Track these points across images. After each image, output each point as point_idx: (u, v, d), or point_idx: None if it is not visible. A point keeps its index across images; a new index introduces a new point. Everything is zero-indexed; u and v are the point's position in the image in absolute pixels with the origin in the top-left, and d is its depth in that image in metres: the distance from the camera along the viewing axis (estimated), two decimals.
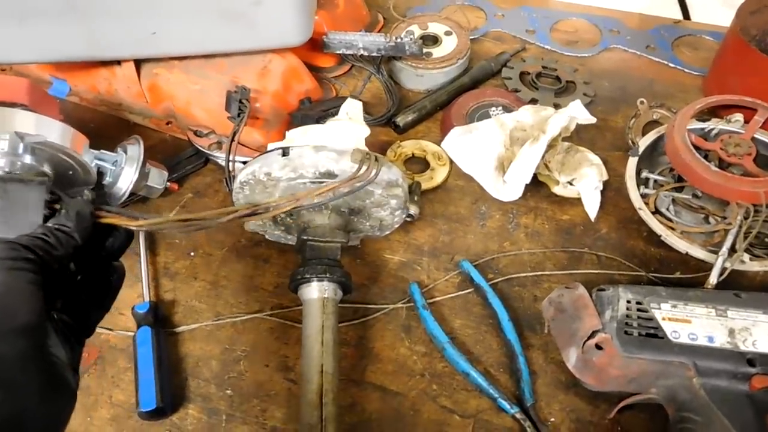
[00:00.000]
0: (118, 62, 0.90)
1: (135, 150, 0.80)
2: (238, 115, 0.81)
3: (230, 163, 0.78)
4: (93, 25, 0.81)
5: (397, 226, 0.79)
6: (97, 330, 0.72)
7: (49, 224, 0.50)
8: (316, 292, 0.66)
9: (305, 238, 0.70)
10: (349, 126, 0.76)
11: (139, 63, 0.91)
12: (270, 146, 0.73)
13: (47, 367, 0.43)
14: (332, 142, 0.69)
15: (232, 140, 0.79)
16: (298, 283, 0.67)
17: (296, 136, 0.74)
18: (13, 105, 0.71)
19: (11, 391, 0.39)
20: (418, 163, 0.91)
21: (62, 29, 0.81)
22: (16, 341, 0.41)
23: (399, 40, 0.96)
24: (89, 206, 0.53)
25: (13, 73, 1.00)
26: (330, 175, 0.67)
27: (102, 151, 0.78)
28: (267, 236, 0.79)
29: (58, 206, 0.53)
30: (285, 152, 0.67)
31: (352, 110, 0.80)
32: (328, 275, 0.66)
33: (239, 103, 0.81)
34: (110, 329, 0.74)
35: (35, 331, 0.43)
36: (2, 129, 0.68)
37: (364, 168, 0.65)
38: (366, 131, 0.76)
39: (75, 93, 0.98)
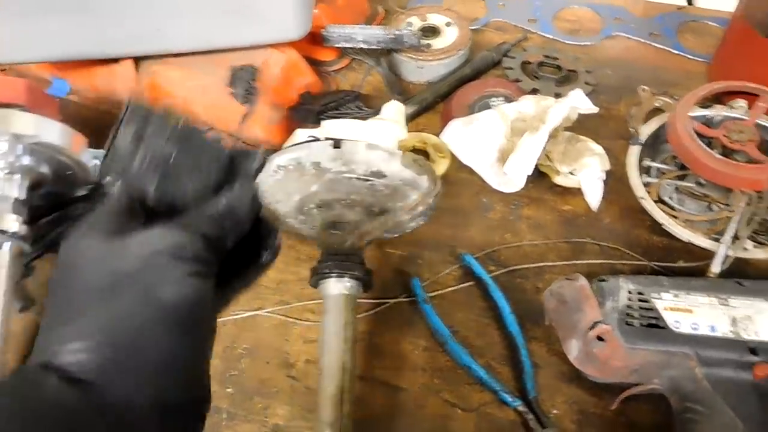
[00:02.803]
0: (117, 60, 0.90)
1: None
2: (245, 95, 0.79)
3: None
4: (98, 23, 0.82)
5: (409, 230, 0.78)
6: None
7: (225, 204, 0.43)
8: (341, 288, 0.66)
9: (333, 232, 0.69)
10: (388, 126, 0.75)
11: (137, 60, 0.91)
12: (300, 133, 0.72)
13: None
14: (370, 138, 0.68)
15: (245, 120, 0.77)
16: (322, 277, 0.67)
17: (333, 128, 0.74)
18: (11, 106, 0.71)
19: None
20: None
21: (67, 28, 0.81)
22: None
23: (398, 32, 0.96)
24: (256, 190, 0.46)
25: (13, 72, 1.00)
26: (380, 174, 0.66)
27: (101, 150, 0.78)
28: (279, 224, 0.77)
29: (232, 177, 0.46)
30: (337, 144, 0.65)
31: (396, 112, 0.79)
32: (355, 272, 0.65)
33: (247, 83, 0.80)
34: None
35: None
36: (1, 130, 0.68)
37: (426, 180, 0.65)
38: (403, 134, 0.75)
39: (75, 92, 0.98)
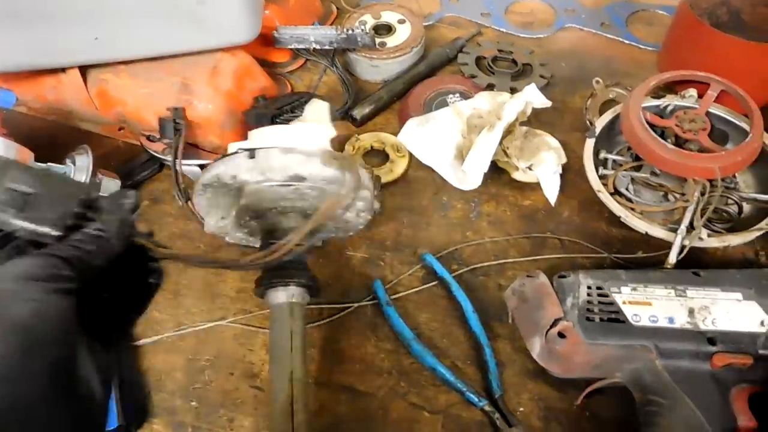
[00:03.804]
0: (63, 69, 0.88)
1: (84, 160, 0.78)
2: (175, 133, 0.79)
3: (178, 178, 0.77)
4: (33, 33, 0.79)
5: (361, 226, 0.78)
6: None
7: (89, 230, 0.45)
8: (284, 296, 0.65)
9: (272, 241, 0.69)
10: (314, 127, 0.74)
11: (85, 69, 0.88)
12: (231, 147, 0.72)
13: (77, 403, 0.40)
14: (297, 142, 0.67)
15: (174, 160, 0.77)
16: (265, 288, 0.66)
17: (259, 137, 0.73)
18: None
19: None
20: (377, 156, 0.89)
21: (8, 38, 0.78)
22: (44, 379, 0.38)
23: (351, 32, 0.95)
24: (131, 212, 0.48)
25: None
26: (299, 178, 0.66)
27: (49, 163, 0.76)
28: (228, 239, 0.77)
29: (95, 208, 0.47)
30: (252, 154, 0.65)
31: (317, 111, 0.78)
32: (296, 279, 0.65)
33: (174, 123, 0.79)
34: None
35: (67, 363, 0.40)
36: None
37: (348, 175, 0.64)
38: (332, 133, 0.74)
39: (22, 103, 0.95)
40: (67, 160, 0.78)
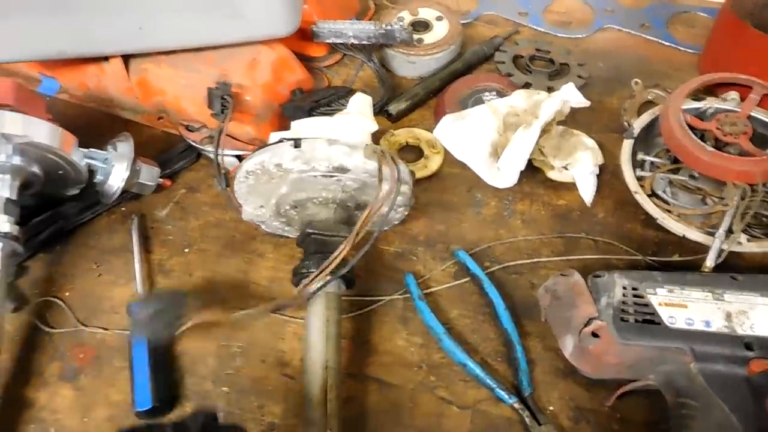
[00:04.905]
0: (107, 58, 0.89)
1: (125, 147, 0.79)
2: (222, 111, 0.80)
3: (220, 159, 0.78)
4: (79, 22, 0.80)
5: (397, 222, 0.78)
6: (93, 330, 0.74)
7: None
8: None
9: (309, 231, 0.69)
10: (357, 120, 0.75)
11: (127, 58, 0.90)
12: (273, 136, 0.73)
13: None
14: (341, 134, 0.68)
15: (219, 138, 0.78)
16: (302, 276, 0.67)
17: (302, 128, 0.74)
18: None
19: None
20: (411, 152, 0.90)
21: (48, 26, 0.80)
22: None
23: (389, 27, 0.95)
24: None
25: (1, 72, 0.99)
26: (342, 169, 0.66)
27: (92, 149, 0.78)
28: (264, 228, 0.78)
29: None
30: (297, 144, 0.66)
31: (360, 104, 0.79)
32: (336, 272, 0.65)
33: (222, 99, 0.80)
34: (105, 329, 0.74)
35: None
36: None
37: (386, 169, 0.65)
38: (374, 126, 0.75)
39: (65, 90, 0.97)
40: (109, 147, 0.80)
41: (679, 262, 0.74)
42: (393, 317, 0.74)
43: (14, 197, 0.71)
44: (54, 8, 0.78)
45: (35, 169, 0.73)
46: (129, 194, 0.83)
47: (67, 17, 0.79)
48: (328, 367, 0.61)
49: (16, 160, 0.71)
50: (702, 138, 0.76)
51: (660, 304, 0.62)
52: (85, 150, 0.77)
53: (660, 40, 1.04)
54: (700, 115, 0.81)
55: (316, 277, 0.63)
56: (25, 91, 0.76)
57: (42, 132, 0.71)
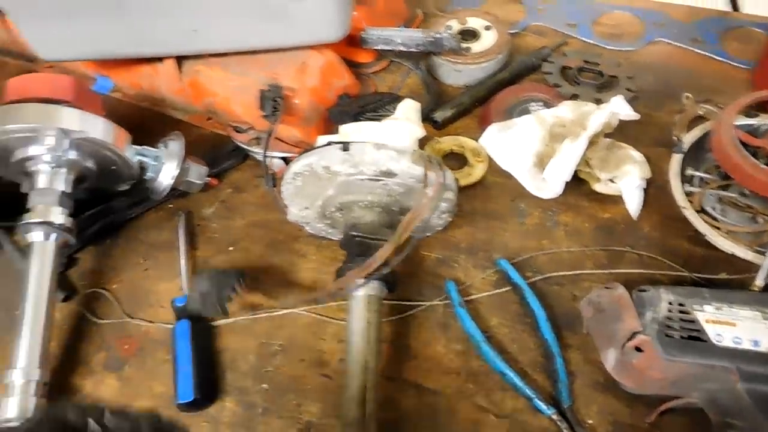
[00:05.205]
0: (161, 59, 0.92)
1: (176, 145, 0.81)
2: (273, 113, 0.81)
3: (267, 161, 0.79)
4: (137, 24, 0.83)
5: (440, 228, 0.79)
6: (138, 322, 0.76)
7: None
8: (363, 288, 0.66)
9: (354, 234, 0.70)
10: (405, 125, 0.75)
11: (180, 60, 0.92)
12: (320, 140, 0.74)
13: None
14: (388, 139, 0.69)
15: (268, 139, 0.79)
16: None
17: (351, 132, 0.75)
18: (58, 102, 0.73)
19: None
20: (455, 160, 0.90)
21: (108, 28, 0.83)
22: None
23: (437, 35, 0.96)
24: None
25: (59, 70, 1.02)
26: (389, 173, 0.67)
27: (144, 146, 0.80)
28: (308, 229, 0.79)
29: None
30: (346, 147, 0.67)
31: (409, 110, 0.80)
32: (375, 273, 0.66)
33: (273, 101, 0.81)
34: (150, 321, 0.76)
35: None
36: (48, 125, 0.70)
37: (432, 174, 0.65)
38: (421, 132, 0.76)
39: (118, 89, 1.00)
40: (160, 145, 0.82)
41: (726, 280, 0.73)
42: (433, 323, 0.74)
43: (69, 190, 0.73)
44: (113, 10, 0.81)
45: (90, 163, 0.75)
46: (177, 192, 0.85)
47: (125, 19, 0.82)
48: (368, 369, 0.62)
49: (72, 155, 0.73)
50: (754, 155, 0.75)
51: (707, 321, 0.61)
52: (138, 147, 0.79)
53: (712, 55, 1.02)
54: (753, 131, 0.79)
55: (357, 274, 0.64)
56: (84, 88, 0.78)
57: (98, 128, 0.73)
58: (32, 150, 0.71)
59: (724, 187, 0.78)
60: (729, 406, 0.58)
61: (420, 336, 0.73)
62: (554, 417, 0.64)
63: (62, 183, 0.72)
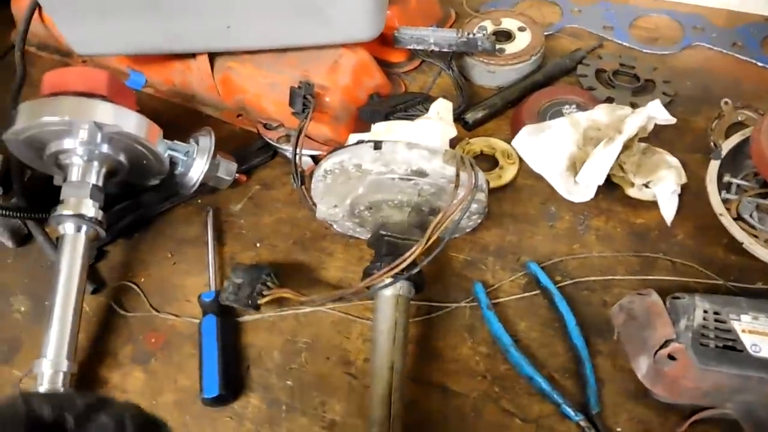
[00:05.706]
0: (193, 55, 0.92)
1: (206, 141, 0.81)
2: (303, 111, 0.81)
3: (297, 158, 0.79)
4: (171, 20, 0.84)
5: (469, 230, 0.78)
6: (165, 316, 0.76)
7: None
8: (391, 288, 0.66)
9: (383, 233, 0.70)
10: (437, 125, 0.75)
11: (212, 56, 0.92)
12: (351, 138, 0.73)
13: None
14: (421, 139, 0.68)
15: (299, 136, 0.79)
16: None
17: (383, 131, 0.74)
18: (93, 96, 0.74)
19: None
20: (486, 161, 0.89)
21: (142, 24, 0.84)
22: None
23: (471, 35, 0.95)
24: None
25: (93, 64, 1.03)
26: (421, 173, 0.67)
27: (175, 141, 0.80)
28: (336, 227, 0.79)
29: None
30: (377, 146, 0.66)
31: (442, 110, 0.79)
32: (404, 272, 0.65)
33: (303, 99, 0.81)
34: (177, 316, 0.76)
35: None
36: (82, 119, 0.71)
37: (465, 175, 0.65)
38: (453, 132, 0.75)
39: (150, 85, 1.01)
40: (191, 140, 0.82)
41: (763, 289, 0.71)
42: (459, 325, 0.73)
43: (100, 184, 0.74)
44: (148, 7, 0.81)
45: (121, 157, 0.76)
46: (206, 187, 0.85)
47: (159, 16, 0.83)
48: (394, 369, 0.61)
49: (105, 149, 0.74)
50: None
51: (743, 331, 0.59)
52: (169, 142, 0.79)
53: (753, 60, 1.00)
54: None
55: (384, 273, 0.63)
56: (118, 82, 0.79)
57: (131, 122, 0.74)
58: (66, 143, 0.72)
59: (763, 195, 0.76)
60: (765, 419, 0.56)
61: (446, 338, 0.72)
62: (582, 423, 0.63)
63: (94, 176, 0.73)
